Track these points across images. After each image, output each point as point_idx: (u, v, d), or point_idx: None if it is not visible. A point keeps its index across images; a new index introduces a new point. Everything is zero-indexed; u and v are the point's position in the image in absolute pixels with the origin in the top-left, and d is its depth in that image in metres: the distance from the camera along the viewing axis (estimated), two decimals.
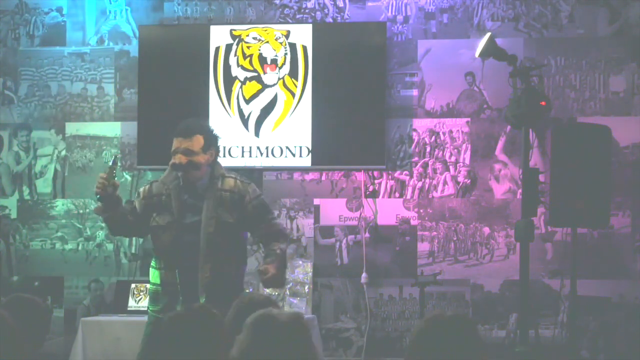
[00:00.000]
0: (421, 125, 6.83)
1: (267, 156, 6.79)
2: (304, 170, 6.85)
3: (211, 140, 5.01)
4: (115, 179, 4.91)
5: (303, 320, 2.89)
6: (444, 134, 6.82)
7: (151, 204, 5.03)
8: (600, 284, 6.62)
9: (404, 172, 6.83)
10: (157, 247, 5.03)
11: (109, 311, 6.72)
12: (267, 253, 5.03)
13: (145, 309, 5.36)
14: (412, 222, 6.81)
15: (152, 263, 5.07)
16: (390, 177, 6.83)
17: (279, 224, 5.17)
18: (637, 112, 6.70)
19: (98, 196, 4.89)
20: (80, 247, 7.02)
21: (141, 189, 5.12)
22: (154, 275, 5.03)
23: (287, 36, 6.82)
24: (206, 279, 4.88)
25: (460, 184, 6.80)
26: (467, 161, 6.79)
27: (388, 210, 6.81)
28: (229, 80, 6.86)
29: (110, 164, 4.92)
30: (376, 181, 6.84)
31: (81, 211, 7.02)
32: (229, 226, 4.95)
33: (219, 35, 6.89)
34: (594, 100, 6.74)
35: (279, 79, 6.84)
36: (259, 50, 6.85)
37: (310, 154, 6.76)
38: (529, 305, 5.86)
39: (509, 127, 6.54)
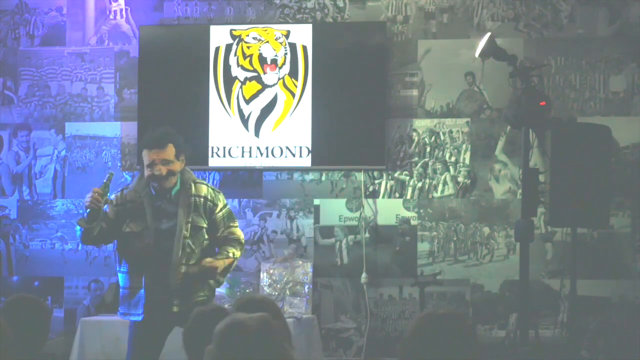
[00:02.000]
0: (421, 125, 6.83)
1: (267, 156, 6.79)
2: (304, 170, 6.85)
3: (181, 147, 5.21)
4: (108, 195, 5.08)
5: (272, 324, 2.88)
6: (444, 134, 6.82)
7: (124, 210, 5.21)
8: (600, 284, 6.62)
9: (404, 172, 6.83)
10: (128, 252, 5.20)
11: (109, 311, 6.71)
12: (220, 252, 5.23)
13: None
14: (412, 222, 6.81)
15: (120, 268, 5.26)
16: (390, 177, 6.83)
17: (239, 231, 5.37)
18: (637, 112, 6.70)
19: (88, 210, 5.03)
20: (80, 247, 7.01)
21: (113, 196, 5.24)
22: (122, 279, 5.25)
23: (287, 36, 6.83)
24: (179, 281, 5.09)
25: (460, 184, 6.80)
26: (467, 161, 6.79)
27: (388, 210, 6.81)
28: (229, 80, 6.86)
29: (105, 180, 5.08)
30: (376, 181, 6.84)
31: (81, 211, 7.00)
32: (201, 231, 5.20)
33: (219, 35, 6.89)
34: (594, 100, 6.74)
35: (279, 79, 6.84)
36: (259, 50, 6.85)
37: (310, 154, 6.76)
38: (529, 305, 5.86)
39: (509, 127, 6.54)
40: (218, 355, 2.81)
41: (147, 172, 5.15)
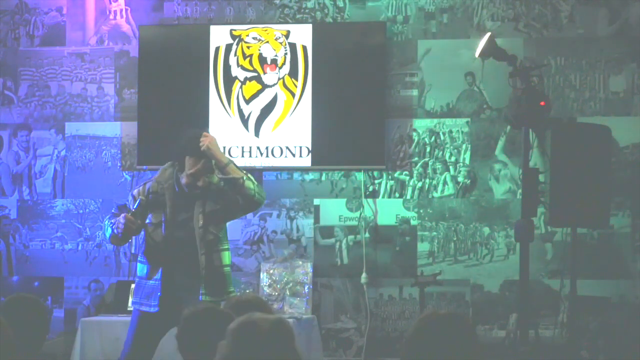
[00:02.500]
0: (421, 125, 6.83)
1: (267, 156, 6.79)
2: (304, 170, 6.85)
3: None
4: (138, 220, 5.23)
5: (286, 326, 2.89)
6: (444, 134, 6.81)
7: (147, 202, 5.30)
8: (600, 284, 6.62)
9: (404, 172, 6.83)
10: (147, 243, 5.30)
11: (109, 311, 6.72)
12: None
13: None
14: (412, 222, 6.81)
15: (139, 257, 5.38)
16: (390, 177, 6.83)
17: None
18: (637, 112, 6.70)
19: (120, 234, 5.18)
20: (80, 247, 7.01)
21: (135, 191, 5.35)
22: (140, 269, 5.36)
23: (287, 36, 6.82)
24: (203, 270, 5.21)
25: (460, 184, 6.80)
26: (467, 161, 6.79)
27: (388, 210, 6.81)
28: (229, 80, 6.86)
29: (137, 206, 5.21)
30: (376, 181, 6.84)
31: (81, 211, 7.01)
32: (214, 213, 5.27)
33: (219, 35, 6.89)
34: (594, 100, 6.74)
35: (279, 79, 6.84)
36: (259, 50, 6.85)
37: (310, 154, 6.76)
38: (529, 305, 5.86)
39: (509, 127, 6.55)
40: (230, 352, 2.81)
41: (187, 179, 5.24)
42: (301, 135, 6.77)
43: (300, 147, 6.77)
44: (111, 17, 7.09)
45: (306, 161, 6.77)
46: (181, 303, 5.11)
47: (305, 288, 6.65)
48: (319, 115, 6.77)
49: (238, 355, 2.80)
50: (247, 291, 6.71)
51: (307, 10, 6.96)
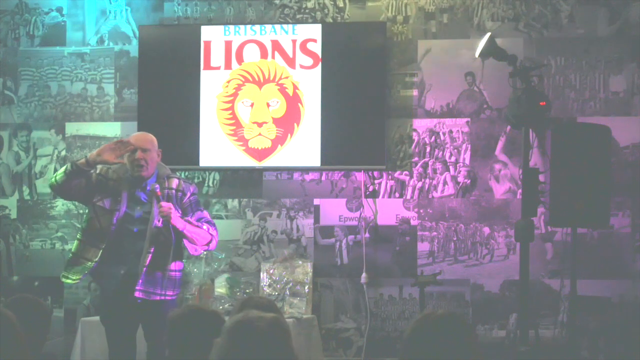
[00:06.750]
0: (421, 125, 6.83)
1: None
2: (304, 170, 6.84)
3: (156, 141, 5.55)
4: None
5: (283, 325, 2.87)
6: (444, 134, 6.81)
7: (103, 183, 5.40)
8: (600, 284, 6.62)
9: (404, 172, 6.83)
10: (92, 224, 5.38)
11: None
12: None
13: None
14: (412, 222, 6.81)
15: (78, 235, 5.47)
16: (390, 177, 6.83)
17: (206, 213, 5.66)
18: (637, 112, 6.70)
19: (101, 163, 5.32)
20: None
21: (100, 166, 5.38)
22: (75, 245, 5.44)
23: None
24: (144, 265, 5.30)
25: (460, 184, 6.80)
26: (467, 161, 6.79)
27: (388, 210, 6.81)
28: None
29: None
30: (376, 181, 6.84)
31: (81, 211, 7.00)
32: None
33: (218, 35, 6.88)
34: (594, 100, 6.74)
35: None
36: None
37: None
38: (529, 305, 5.86)
39: (509, 127, 6.55)
40: (225, 351, 2.80)
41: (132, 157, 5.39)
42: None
43: None
44: (111, 17, 7.09)
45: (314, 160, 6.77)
46: (130, 293, 5.29)
47: (305, 288, 6.65)
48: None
49: (234, 354, 2.78)
50: (248, 291, 6.70)
51: (307, 10, 6.95)
